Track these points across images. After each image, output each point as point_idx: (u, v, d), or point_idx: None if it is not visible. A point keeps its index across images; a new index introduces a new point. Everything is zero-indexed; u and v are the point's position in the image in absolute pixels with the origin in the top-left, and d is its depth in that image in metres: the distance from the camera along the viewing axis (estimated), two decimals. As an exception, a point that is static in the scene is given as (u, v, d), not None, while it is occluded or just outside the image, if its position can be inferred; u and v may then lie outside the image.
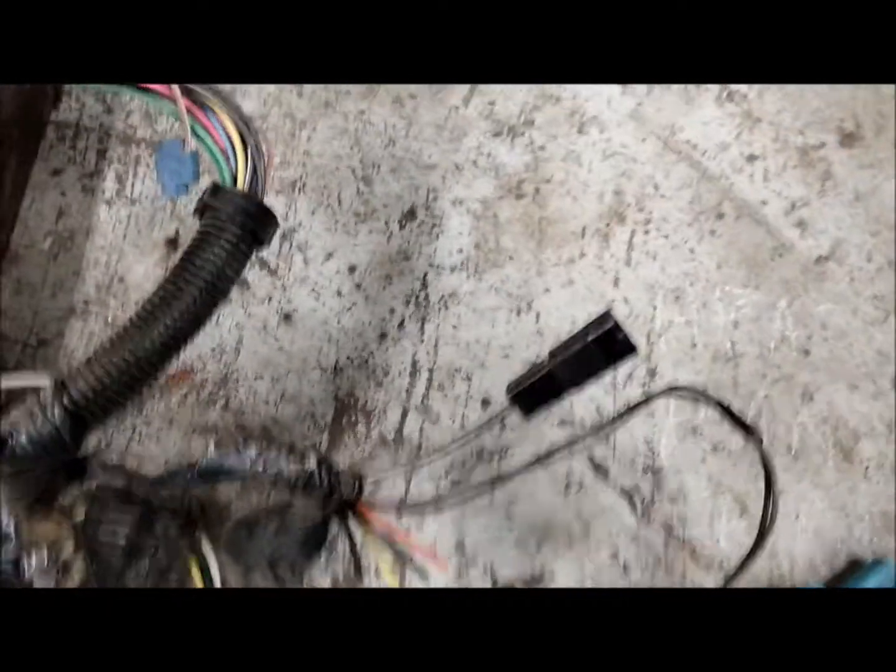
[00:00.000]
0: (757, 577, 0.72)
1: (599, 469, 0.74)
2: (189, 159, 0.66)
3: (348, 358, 0.77)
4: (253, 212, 0.59)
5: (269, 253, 0.80)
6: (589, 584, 0.71)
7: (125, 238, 0.80)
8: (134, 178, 0.82)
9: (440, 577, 0.69)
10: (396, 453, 0.74)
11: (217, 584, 0.68)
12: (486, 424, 0.53)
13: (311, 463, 0.52)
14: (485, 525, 0.73)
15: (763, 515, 0.55)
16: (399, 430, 0.75)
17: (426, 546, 0.68)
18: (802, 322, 0.79)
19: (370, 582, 0.67)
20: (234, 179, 0.61)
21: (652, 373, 0.77)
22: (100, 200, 0.81)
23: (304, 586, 0.53)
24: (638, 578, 0.71)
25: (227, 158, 0.61)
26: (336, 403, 0.76)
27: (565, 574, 0.72)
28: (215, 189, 0.59)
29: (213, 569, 0.68)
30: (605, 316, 0.49)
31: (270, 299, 0.78)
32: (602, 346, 0.49)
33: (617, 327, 0.48)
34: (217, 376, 0.75)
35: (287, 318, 0.78)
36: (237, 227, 0.58)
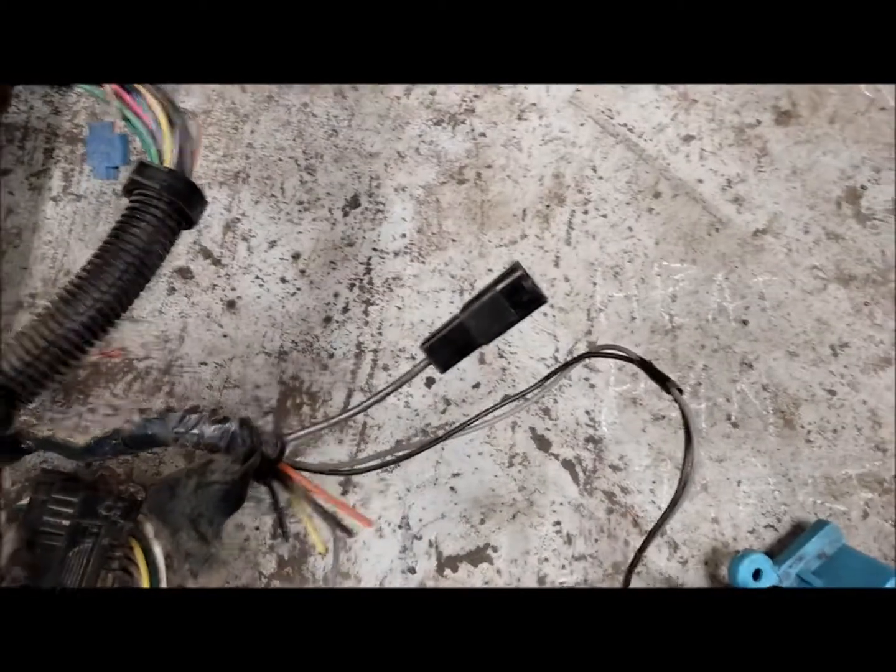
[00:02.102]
0: (700, 544, 0.72)
1: (542, 441, 0.75)
2: (118, 142, 0.67)
3: (293, 342, 0.78)
4: (180, 188, 0.60)
5: (212, 242, 0.81)
6: (532, 557, 0.72)
7: (71, 233, 0.81)
8: (80, 175, 0.83)
9: (365, 534, 0.69)
10: (341, 433, 0.75)
11: (161, 566, 0.68)
12: (402, 378, 0.53)
13: (233, 425, 0.52)
14: (430, 500, 0.73)
15: (683, 465, 0.56)
16: (344, 411, 0.75)
17: (349, 504, 0.68)
18: (740, 293, 0.80)
19: (295, 543, 0.67)
20: (162, 158, 0.62)
21: (592, 346, 0.78)
22: (46, 198, 0.83)
23: (223, 546, 0.54)
24: (582, 548, 0.72)
25: (155, 138, 0.62)
26: (281, 387, 0.76)
27: (509, 546, 0.72)
28: (142, 166, 0.60)
29: (156, 551, 0.69)
30: (514, 267, 0.50)
31: (214, 287, 0.79)
32: (510, 296, 0.50)
33: (524, 277, 0.49)
34: (162, 363, 0.76)
35: (231, 305, 0.79)
36: (164, 203, 0.59)
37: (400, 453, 0.60)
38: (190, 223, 0.63)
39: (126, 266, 0.57)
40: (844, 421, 0.76)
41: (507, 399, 0.64)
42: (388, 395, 0.53)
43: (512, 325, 0.51)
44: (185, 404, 0.74)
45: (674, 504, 0.59)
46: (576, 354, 0.78)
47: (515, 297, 0.50)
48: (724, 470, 0.74)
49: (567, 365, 0.62)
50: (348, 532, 0.52)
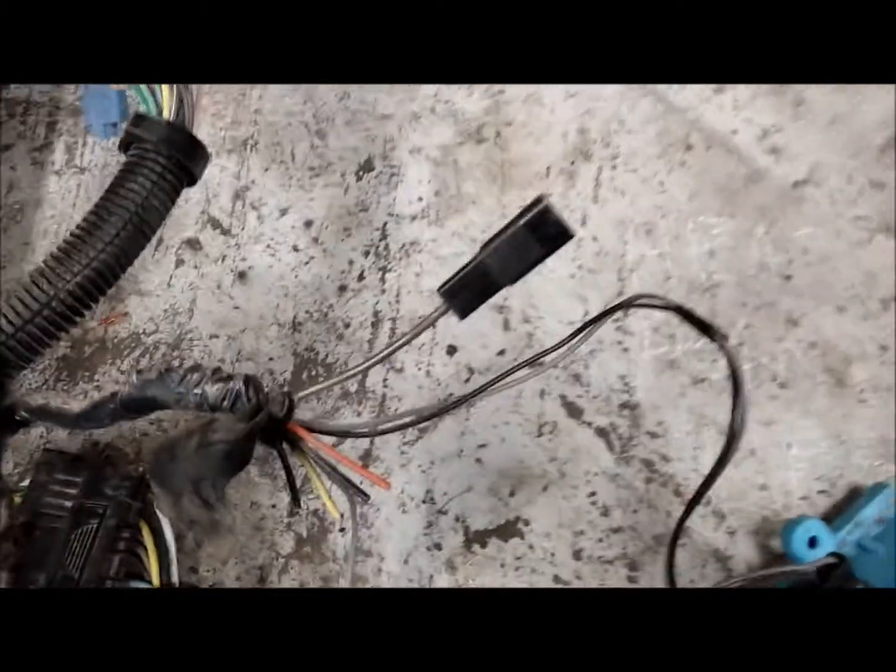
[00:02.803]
0: (749, 513, 0.67)
1: (573, 409, 0.70)
2: (115, 97, 0.64)
3: (307, 312, 0.74)
4: (179, 141, 0.57)
5: (220, 212, 0.77)
6: (566, 531, 0.67)
7: (74, 206, 0.78)
8: (83, 147, 0.80)
9: (388, 509, 0.65)
10: (360, 406, 0.71)
11: (171, 546, 0.64)
12: (419, 326, 0.49)
13: (237, 383, 0.48)
14: (455, 473, 0.69)
15: (732, 417, 0.51)
16: (362, 383, 0.71)
17: (363, 466, 0.64)
18: (782, 248, 0.75)
19: (314, 521, 0.63)
20: (160, 111, 0.58)
21: (626, 310, 0.73)
22: (49, 172, 0.80)
23: (228, 508, 0.49)
24: (620, 520, 0.67)
25: (153, 91, 0.59)
26: (295, 359, 0.72)
27: (541, 521, 0.67)
28: (138, 118, 0.57)
29: (166, 531, 0.65)
30: (538, 199, 0.45)
31: (224, 258, 0.76)
32: (534, 230, 0.45)
33: (548, 209, 0.45)
34: (170, 338, 0.73)
35: (242, 276, 0.75)
36: (162, 157, 0.55)
37: (420, 416, 0.56)
38: (192, 179, 0.59)
39: (123, 223, 0.53)
40: (898, 378, 0.70)
41: (535, 357, 0.59)
42: (405, 344, 0.49)
43: (537, 262, 0.46)
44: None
45: (723, 461, 0.54)
46: (611, 320, 0.73)
47: (540, 231, 0.45)
48: (771, 434, 0.69)
49: (598, 318, 0.57)
50: (364, 496, 0.48)
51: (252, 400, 0.48)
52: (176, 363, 0.70)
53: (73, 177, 0.79)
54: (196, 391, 0.49)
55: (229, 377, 0.49)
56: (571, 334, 0.57)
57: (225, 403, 0.48)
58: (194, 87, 0.61)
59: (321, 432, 0.50)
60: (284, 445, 0.49)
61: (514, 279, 0.46)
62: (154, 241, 0.74)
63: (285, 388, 0.58)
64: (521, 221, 0.45)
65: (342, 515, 0.61)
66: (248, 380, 0.49)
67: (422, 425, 0.69)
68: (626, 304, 0.60)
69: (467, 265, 0.47)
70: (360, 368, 0.54)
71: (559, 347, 0.59)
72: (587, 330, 0.56)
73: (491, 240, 0.47)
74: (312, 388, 0.52)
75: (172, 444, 0.47)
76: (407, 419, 0.55)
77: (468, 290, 0.47)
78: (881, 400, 0.70)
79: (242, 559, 0.64)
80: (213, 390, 0.48)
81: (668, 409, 0.70)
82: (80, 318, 0.54)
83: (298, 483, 0.63)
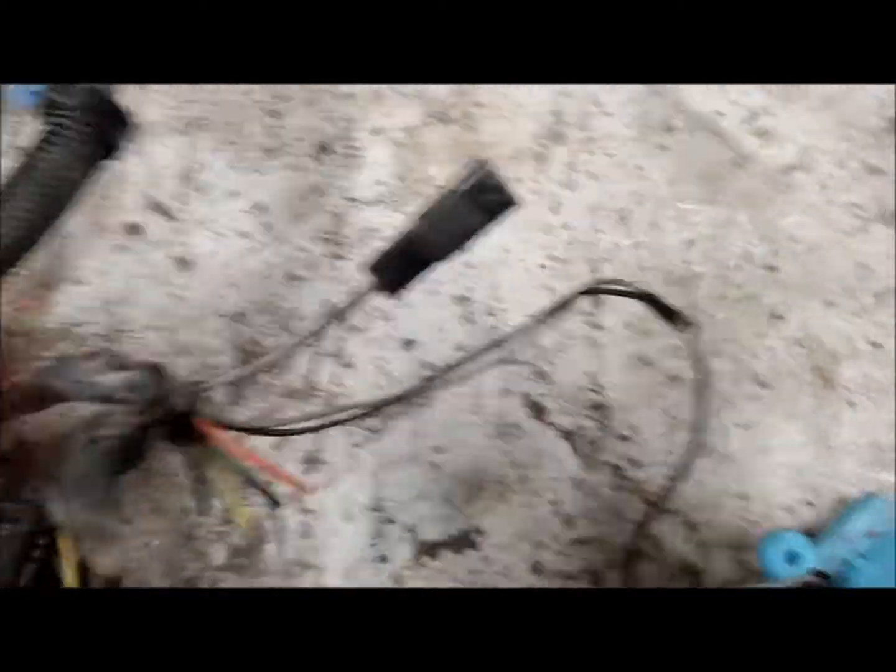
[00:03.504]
0: (724, 524, 0.61)
1: (537, 409, 0.65)
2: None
3: (252, 302, 0.69)
4: (99, 107, 0.51)
5: (165, 195, 0.72)
6: (525, 543, 0.62)
7: (10, 188, 0.73)
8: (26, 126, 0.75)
9: (332, 517, 0.59)
10: (306, 405, 0.66)
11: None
12: (345, 307, 0.44)
13: (137, 373, 0.43)
14: (406, 478, 0.63)
15: (696, 415, 0.45)
16: (308, 379, 0.66)
17: (283, 469, 0.58)
18: (767, 237, 0.69)
19: (216, 513, 0.58)
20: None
21: (597, 302, 0.68)
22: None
23: (119, 513, 0.44)
24: (583, 531, 0.61)
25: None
26: (237, 353, 0.67)
27: (498, 531, 0.62)
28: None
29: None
30: (479, 163, 0.40)
31: (166, 244, 0.71)
32: (474, 197, 0.40)
33: (489, 174, 0.40)
34: (104, 329, 0.67)
35: (183, 262, 0.70)
36: (80, 125, 0.50)
37: (356, 410, 0.50)
38: (110, 149, 0.53)
39: (33, 196, 0.48)
40: (892, 377, 0.64)
41: (494, 343, 0.54)
42: (327, 325, 0.43)
43: (475, 233, 0.41)
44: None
45: (686, 463, 0.49)
46: (581, 313, 0.67)
47: (480, 198, 0.40)
48: (751, 437, 0.63)
49: (560, 306, 0.52)
50: (275, 502, 0.42)
51: (153, 390, 0.43)
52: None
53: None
54: (93, 381, 0.43)
55: (131, 365, 0.44)
56: (535, 320, 0.52)
57: (121, 395, 0.43)
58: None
59: (233, 429, 0.45)
60: (190, 444, 0.44)
61: (449, 252, 0.41)
62: (89, 224, 0.69)
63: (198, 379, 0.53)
64: (461, 188, 0.40)
65: (253, 529, 0.55)
66: (152, 368, 0.44)
67: (373, 425, 0.63)
68: (593, 291, 0.55)
69: (396, 239, 0.42)
70: (278, 354, 0.49)
71: (515, 336, 0.54)
72: (551, 316, 0.51)
73: (426, 209, 0.42)
74: (224, 377, 0.47)
75: (62, 441, 0.42)
76: (339, 415, 0.50)
77: (398, 264, 0.42)
78: (872, 402, 0.64)
79: (169, 570, 0.59)
80: (110, 380, 0.43)
81: (639, 409, 0.64)
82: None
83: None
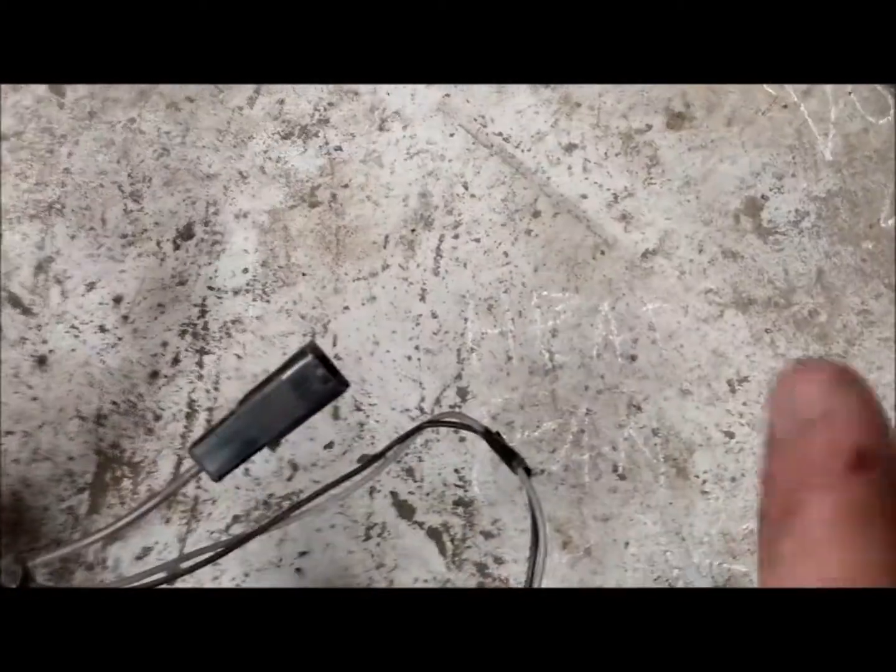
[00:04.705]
0: (585, 618, 0.64)
1: (404, 508, 0.65)
2: None
3: (113, 403, 0.67)
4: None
5: (21, 287, 0.69)
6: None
7: None
8: None
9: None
10: (169, 511, 0.65)
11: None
12: (158, 496, 0.43)
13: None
14: (271, 585, 0.63)
15: (530, 565, 0.47)
16: (99, 532, 0.65)
17: None
18: (628, 324, 0.71)
19: None
20: None
21: (463, 393, 0.69)
22: None
23: None
24: (449, 632, 0.63)
25: None
26: (98, 457, 0.66)
27: (366, 634, 0.62)
28: None
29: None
30: (303, 349, 0.40)
31: (23, 341, 0.68)
32: (298, 385, 0.40)
33: (315, 363, 0.39)
34: (-45, 436, 0.65)
35: (42, 361, 0.68)
36: None
37: (228, 546, 0.50)
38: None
39: None
40: (744, 467, 0.67)
41: (333, 483, 0.54)
42: (148, 512, 0.43)
43: (302, 420, 0.41)
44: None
45: (534, 567, 0.51)
46: (444, 406, 0.68)
47: (304, 387, 0.40)
48: (610, 530, 0.65)
49: (400, 440, 0.52)
50: None
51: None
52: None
53: None
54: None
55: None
56: (376, 455, 0.52)
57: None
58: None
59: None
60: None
61: (277, 437, 0.41)
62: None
63: (21, 553, 0.52)
64: (284, 375, 0.40)
65: None
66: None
67: (239, 532, 0.63)
68: (435, 423, 0.56)
69: (223, 420, 0.41)
70: (101, 535, 0.49)
71: (361, 471, 0.54)
72: (394, 449, 0.51)
73: (253, 391, 0.42)
74: (53, 554, 0.46)
75: None
76: (211, 553, 0.50)
77: (224, 450, 0.41)
78: (724, 492, 0.67)
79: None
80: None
81: (504, 504, 0.66)
82: None
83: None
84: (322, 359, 0.41)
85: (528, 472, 0.48)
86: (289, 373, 0.40)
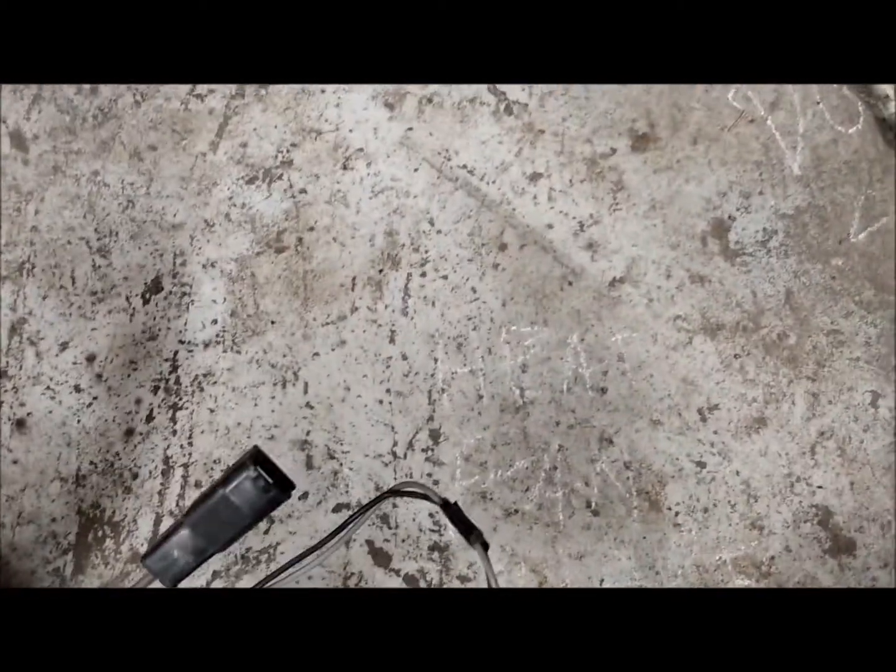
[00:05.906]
0: (561, 655, 0.65)
1: (380, 556, 0.67)
2: None
3: (91, 463, 0.68)
4: None
5: (-6, 352, 0.70)
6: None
7: None
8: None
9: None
10: (152, 567, 0.66)
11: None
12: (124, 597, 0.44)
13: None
14: (255, 637, 0.65)
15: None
16: (149, 539, 0.67)
17: None
18: (597, 356, 0.71)
19: None
20: None
21: (436, 435, 0.69)
22: None
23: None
24: (428, 676, 0.64)
25: None
26: (80, 518, 0.67)
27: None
28: None
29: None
30: (245, 460, 0.41)
31: (1, 405, 0.69)
32: (242, 495, 0.41)
33: (257, 476, 0.40)
34: (-61, 505, 0.66)
35: (21, 424, 0.69)
36: None
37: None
38: None
39: None
40: (716, 497, 0.68)
41: (304, 554, 0.55)
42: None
43: (249, 528, 0.42)
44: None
45: None
46: (417, 450, 0.69)
47: (247, 497, 0.41)
48: (584, 568, 0.66)
49: (364, 509, 0.53)
50: None
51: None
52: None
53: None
54: None
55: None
56: (340, 526, 0.53)
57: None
58: None
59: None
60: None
61: (225, 545, 0.42)
62: None
63: None
64: (227, 486, 0.41)
65: None
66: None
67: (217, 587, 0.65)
68: (395, 493, 0.56)
69: (170, 532, 0.42)
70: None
71: (327, 541, 0.55)
72: (351, 525, 0.52)
73: (198, 501, 0.43)
74: None
75: None
76: None
77: (175, 559, 0.42)
78: (697, 523, 0.67)
79: None
80: None
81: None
82: None
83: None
84: (265, 464, 0.41)
85: (486, 546, 0.49)
86: (231, 485, 0.41)
